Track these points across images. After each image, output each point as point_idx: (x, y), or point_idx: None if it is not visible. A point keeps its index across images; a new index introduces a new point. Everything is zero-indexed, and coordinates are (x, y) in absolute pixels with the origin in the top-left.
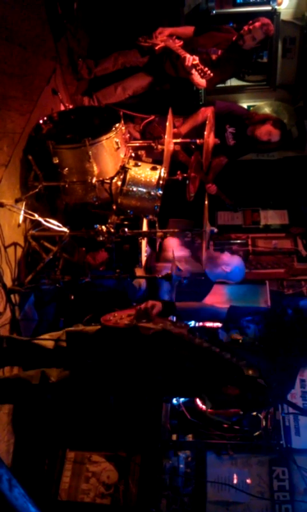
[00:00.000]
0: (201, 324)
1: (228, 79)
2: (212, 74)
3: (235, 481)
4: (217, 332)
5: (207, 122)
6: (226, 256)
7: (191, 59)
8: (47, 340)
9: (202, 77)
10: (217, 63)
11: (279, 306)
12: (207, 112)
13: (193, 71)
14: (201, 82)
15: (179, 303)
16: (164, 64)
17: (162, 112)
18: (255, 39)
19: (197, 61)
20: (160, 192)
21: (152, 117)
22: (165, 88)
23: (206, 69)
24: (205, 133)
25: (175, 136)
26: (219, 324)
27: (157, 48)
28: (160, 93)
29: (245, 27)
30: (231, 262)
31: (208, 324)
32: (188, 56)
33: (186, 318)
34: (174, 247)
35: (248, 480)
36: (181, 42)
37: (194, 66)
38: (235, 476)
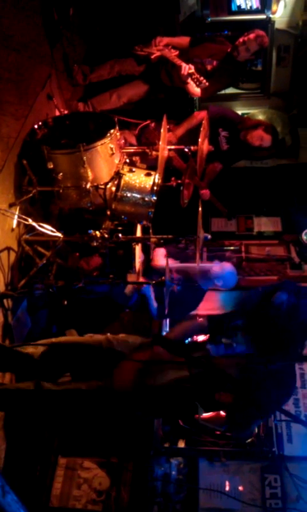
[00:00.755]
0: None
1: (222, 89)
2: (207, 83)
3: (227, 488)
4: (208, 349)
5: (202, 129)
6: (217, 268)
7: (187, 68)
8: (31, 348)
9: (197, 85)
10: (211, 73)
11: (257, 306)
12: (201, 116)
13: (188, 80)
14: (196, 91)
15: (167, 334)
16: (159, 73)
17: (157, 118)
18: (249, 50)
19: (193, 70)
20: (154, 198)
21: (148, 122)
22: (160, 97)
23: (202, 78)
24: (199, 140)
25: (170, 142)
26: (206, 337)
27: (153, 57)
28: (155, 101)
29: (240, 39)
30: (222, 273)
31: (200, 339)
32: (184, 64)
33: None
34: (161, 256)
35: (240, 488)
36: (177, 52)
37: (190, 75)
38: (227, 483)
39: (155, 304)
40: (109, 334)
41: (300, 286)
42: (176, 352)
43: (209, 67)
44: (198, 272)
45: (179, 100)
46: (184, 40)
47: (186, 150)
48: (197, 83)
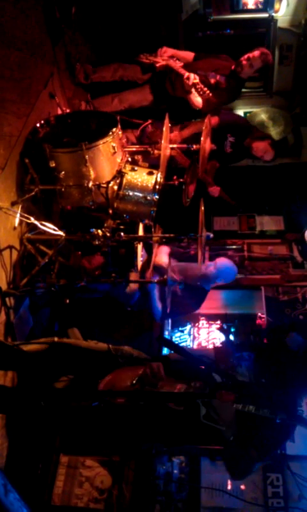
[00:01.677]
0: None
1: (224, 105)
2: (210, 94)
3: (229, 487)
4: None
5: (204, 128)
6: (212, 269)
7: (192, 78)
8: (31, 346)
9: (201, 95)
10: (215, 87)
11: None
12: (214, 121)
13: (192, 89)
14: (198, 101)
15: (171, 355)
16: (163, 82)
17: (159, 118)
18: (253, 67)
19: (197, 80)
20: (157, 197)
21: (149, 121)
22: (162, 108)
23: (206, 89)
24: (202, 138)
25: (173, 141)
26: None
27: (158, 65)
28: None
29: (245, 56)
30: (219, 271)
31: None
32: (190, 74)
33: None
34: (164, 254)
35: (242, 487)
36: (182, 64)
37: (194, 84)
38: (229, 482)
39: (159, 305)
40: (111, 345)
41: None
42: (175, 376)
43: (212, 81)
44: (197, 277)
45: (183, 102)
46: (188, 55)
47: (190, 148)
48: (201, 93)
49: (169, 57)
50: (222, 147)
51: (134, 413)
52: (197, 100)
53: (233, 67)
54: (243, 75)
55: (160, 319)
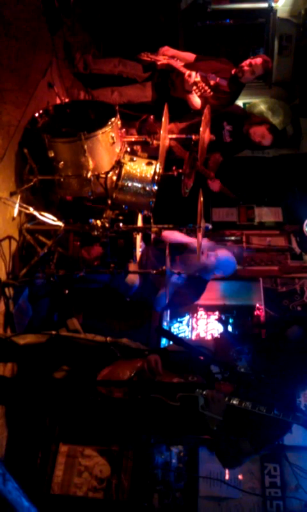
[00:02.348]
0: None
1: (222, 108)
2: (211, 93)
3: (227, 477)
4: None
5: (203, 118)
6: (213, 259)
7: (194, 76)
8: (29, 339)
9: (202, 94)
10: (214, 88)
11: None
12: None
13: (193, 89)
14: (197, 102)
15: (169, 346)
16: (163, 81)
17: (158, 115)
18: (255, 74)
19: (199, 79)
20: (155, 187)
21: (149, 115)
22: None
23: (207, 87)
24: (201, 129)
25: (171, 132)
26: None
27: (159, 64)
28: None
29: (246, 61)
30: (219, 262)
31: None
32: (191, 72)
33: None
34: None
35: (240, 476)
36: (183, 63)
37: (196, 83)
38: (226, 472)
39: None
40: (109, 338)
41: None
42: (173, 369)
43: (212, 82)
44: (197, 267)
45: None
46: (190, 56)
47: (188, 140)
48: (202, 91)
49: (170, 57)
50: (221, 138)
51: (132, 407)
52: (196, 100)
53: (233, 71)
54: (243, 80)
55: (160, 309)
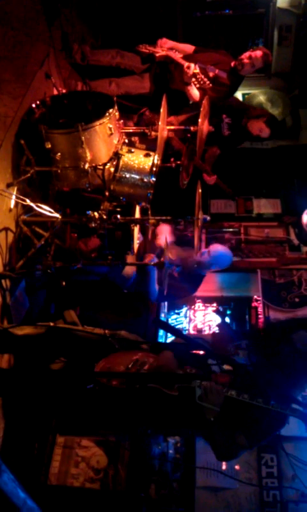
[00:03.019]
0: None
1: (221, 100)
2: (210, 84)
3: (224, 467)
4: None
5: (201, 109)
6: (206, 256)
7: (193, 67)
8: (27, 330)
9: (201, 85)
10: (213, 80)
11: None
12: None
13: (192, 80)
14: (196, 95)
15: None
16: (162, 73)
17: (156, 107)
18: (254, 67)
19: (198, 70)
20: (153, 179)
21: (146, 108)
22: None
23: (206, 79)
24: (199, 120)
25: (170, 124)
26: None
27: (157, 55)
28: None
29: (246, 53)
30: (213, 259)
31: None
32: (190, 63)
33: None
34: (166, 233)
35: (237, 467)
36: (181, 55)
37: (195, 75)
38: (223, 462)
39: (156, 286)
40: (107, 331)
41: None
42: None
43: (211, 74)
44: (193, 262)
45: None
46: (188, 48)
47: (187, 132)
48: (201, 83)
49: (168, 49)
50: (219, 130)
51: (129, 397)
52: (194, 92)
53: (232, 64)
54: (243, 72)
55: (155, 299)
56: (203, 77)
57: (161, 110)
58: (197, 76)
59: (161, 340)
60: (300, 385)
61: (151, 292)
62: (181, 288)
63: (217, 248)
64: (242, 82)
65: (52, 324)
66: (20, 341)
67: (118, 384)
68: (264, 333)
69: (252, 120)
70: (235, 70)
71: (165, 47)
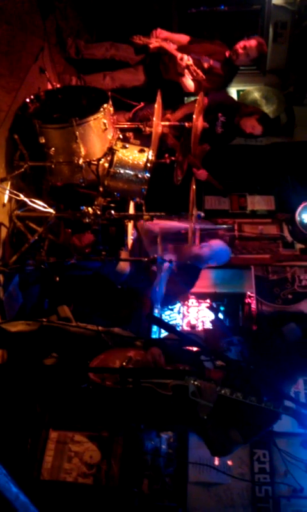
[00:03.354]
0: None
1: (215, 90)
2: (204, 76)
3: (217, 463)
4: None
5: (196, 105)
6: (206, 250)
7: (186, 59)
8: (20, 327)
9: (194, 77)
10: (208, 71)
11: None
12: (205, 102)
13: (185, 71)
14: (190, 85)
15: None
16: (156, 64)
17: (151, 101)
18: (249, 56)
19: (191, 62)
20: (148, 175)
21: (142, 104)
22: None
23: (199, 70)
24: (194, 116)
25: (166, 120)
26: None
27: (151, 46)
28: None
29: (240, 43)
30: (213, 253)
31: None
32: (183, 55)
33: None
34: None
35: (229, 462)
36: (176, 46)
37: (188, 66)
38: (216, 458)
39: (163, 289)
40: (101, 328)
41: None
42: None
43: (206, 65)
44: (190, 257)
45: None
46: (183, 38)
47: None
48: (194, 74)
49: (163, 39)
50: (213, 127)
51: (123, 396)
52: (189, 83)
53: (227, 54)
54: (238, 62)
55: (158, 303)
56: (196, 68)
57: (155, 105)
58: (191, 68)
59: (155, 336)
60: (292, 377)
61: (155, 295)
62: (178, 285)
63: (218, 243)
64: (237, 79)
65: (45, 320)
66: (13, 338)
67: (112, 384)
68: (257, 328)
69: (245, 117)
70: (229, 61)
71: (160, 38)
